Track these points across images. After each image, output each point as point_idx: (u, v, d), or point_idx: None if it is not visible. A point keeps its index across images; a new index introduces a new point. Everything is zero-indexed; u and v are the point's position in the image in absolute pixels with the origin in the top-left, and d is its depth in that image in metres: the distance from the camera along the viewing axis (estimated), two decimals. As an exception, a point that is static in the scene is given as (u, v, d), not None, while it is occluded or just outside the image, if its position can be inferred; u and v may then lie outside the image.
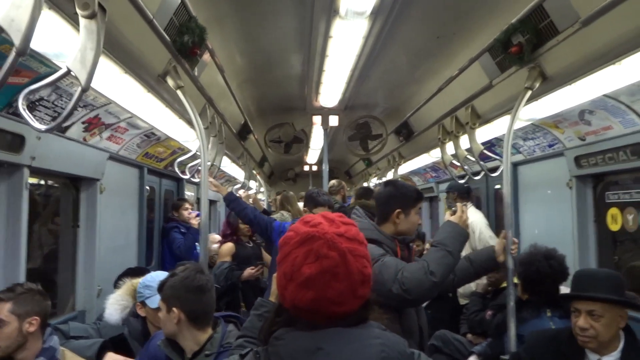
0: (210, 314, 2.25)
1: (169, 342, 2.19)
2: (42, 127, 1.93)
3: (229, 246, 5.05)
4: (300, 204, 7.07)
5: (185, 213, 5.29)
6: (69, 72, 1.83)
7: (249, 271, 4.80)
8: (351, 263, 1.20)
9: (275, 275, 1.61)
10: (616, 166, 3.52)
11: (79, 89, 1.85)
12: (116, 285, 3.04)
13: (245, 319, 2.43)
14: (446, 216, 2.66)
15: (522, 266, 3.07)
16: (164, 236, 5.40)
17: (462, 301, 4.70)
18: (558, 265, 3.03)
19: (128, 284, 2.89)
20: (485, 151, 4.66)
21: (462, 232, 2.53)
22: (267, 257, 5.26)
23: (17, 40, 1.51)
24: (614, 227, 3.78)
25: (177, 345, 2.17)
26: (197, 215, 5.14)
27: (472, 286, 4.49)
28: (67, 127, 3.14)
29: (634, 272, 3.66)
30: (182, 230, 5.19)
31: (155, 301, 2.59)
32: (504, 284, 3.43)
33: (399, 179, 7.98)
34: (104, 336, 2.74)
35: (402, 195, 2.63)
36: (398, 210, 2.57)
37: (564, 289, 3.04)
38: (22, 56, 1.53)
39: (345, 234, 1.23)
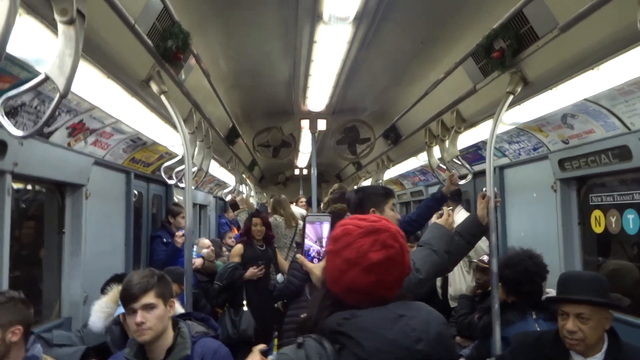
0: None
1: (136, 351, 2.19)
2: (21, 133, 1.93)
3: (238, 247, 5.27)
4: (294, 208, 7.09)
5: (182, 222, 5.14)
6: (47, 78, 1.83)
7: (251, 271, 4.96)
8: (406, 256, 1.44)
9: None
10: (599, 169, 3.54)
11: (58, 95, 1.85)
12: (103, 291, 3.01)
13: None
14: (433, 219, 2.72)
15: (509, 268, 3.08)
16: (150, 244, 5.34)
17: (453, 304, 4.71)
18: (541, 264, 3.09)
19: (115, 290, 2.84)
20: (471, 155, 4.69)
21: (447, 233, 2.59)
22: (281, 261, 5.35)
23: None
24: (598, 229, 3.80)
25: (140, 354, 2.18)
26: (183, 235, 4.50)
27: (462, 289, 4.52)
28: (51, 133, 3.12)
29: (617, 273, 3.68)
30: (165, 240, 5.11)
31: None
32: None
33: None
34: (87, 344, 2.72)
35: (372, 195, 2.84)
36: (372, 209, 2.76)
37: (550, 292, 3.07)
38: (-3, 62, 1.53)
39: (399, 232, 1.46)
